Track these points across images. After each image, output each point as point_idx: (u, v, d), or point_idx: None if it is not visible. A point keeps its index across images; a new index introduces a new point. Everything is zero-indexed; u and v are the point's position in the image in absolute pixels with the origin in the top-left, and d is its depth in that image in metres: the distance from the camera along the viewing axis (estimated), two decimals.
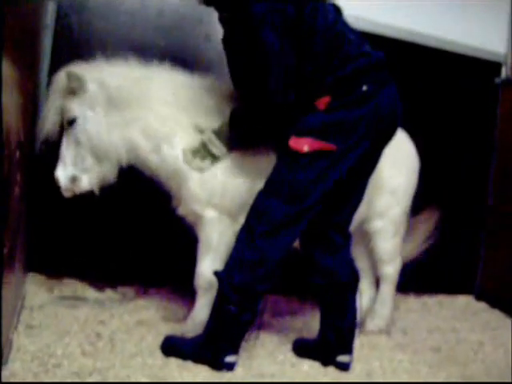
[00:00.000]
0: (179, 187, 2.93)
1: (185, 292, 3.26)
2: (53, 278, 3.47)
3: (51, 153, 2.93)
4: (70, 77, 2.82)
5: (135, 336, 2.84)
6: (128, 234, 3.68)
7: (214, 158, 2.85)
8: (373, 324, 3.47)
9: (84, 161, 2.89)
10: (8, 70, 1.90)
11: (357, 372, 2.80)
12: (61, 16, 3.49)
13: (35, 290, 3.29)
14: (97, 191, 2.94)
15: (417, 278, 4.16)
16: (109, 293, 3.51)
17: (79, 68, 2.87)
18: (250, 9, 2.52)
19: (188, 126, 2.93)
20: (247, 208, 2.74)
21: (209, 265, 2.87)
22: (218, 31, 3.66)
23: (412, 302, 4.36)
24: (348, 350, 2.84)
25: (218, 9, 2.82)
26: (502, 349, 3.41)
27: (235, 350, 2.64)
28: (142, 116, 2.91)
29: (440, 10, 4.55)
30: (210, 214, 2.91)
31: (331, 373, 2.74)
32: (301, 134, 2.55)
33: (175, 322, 3.11)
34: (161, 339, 2.74)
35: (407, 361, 3.01)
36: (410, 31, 4.42)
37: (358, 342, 3.03)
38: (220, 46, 3.62)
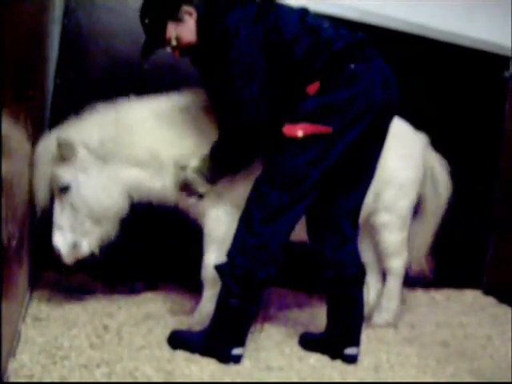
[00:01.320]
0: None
1: (192, 285, 3.27)
2: (61, 272, 3.48)
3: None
4: (61, 144, 2.79)
5: (143, 329, 2.85)
6: (136, 228, 3.68)
7: (200, 196, 2.85)
8: (380, 318, 3.46)
9: (83, 225, 2.87)
10: (17, 63, 1.91)
11: (364, 365, 2.79)
12: (69, 11, 3.50)
13: (43, 282, 3.31)
14: (97, 252, 2.93)
15: (425, 273, 4.15)
16: (117, 286, 3.52)
17: (64, 134, 2.86)
18: (216, 34, 2.57)
19: (177, 143, 2.94)
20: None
21: (215, 257, 2.87)
22: None
23: (420, 296, 4.36)
24: (355, 342, 2.84)
25: (192, 55, 2.84)
26: (510, 343, 3.40)
27: (241, 343, 2.64)
28: (132, 155, 2.91)
29: (449, 4, 4.53)
30: (216, 206, 2.92)
31: (338, 366, 2.74)
32: (294, 120, 2.56)
33: (182, 314, 3.12)
34: (168, 332, 2.75)
35: (415, 355, 3.01)
36: (418, 25, 4.40)
37: (366, 335, 3.03)
38: None
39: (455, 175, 4.01)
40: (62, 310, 2.95)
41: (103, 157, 2.88)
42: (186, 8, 2.70)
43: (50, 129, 3.27)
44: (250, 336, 2.69)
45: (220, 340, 2.60)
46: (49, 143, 2.87)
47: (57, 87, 3.49)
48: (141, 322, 2.94)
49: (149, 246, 3.72)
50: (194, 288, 3.16)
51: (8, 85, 1.72)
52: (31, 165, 2.71)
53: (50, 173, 2.85)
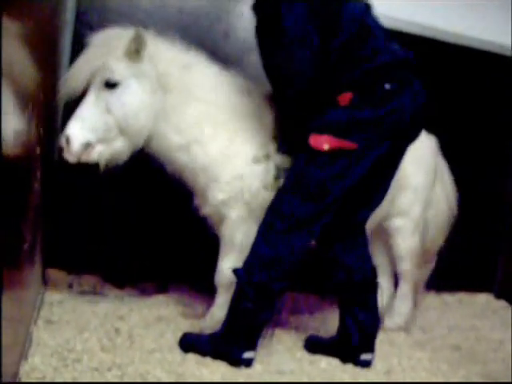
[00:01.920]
0: (205, 187, 2.90)
1: (204, 288, 3.27)
2: (72, 273, 3.49)
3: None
4: (138, 38, 2.67)
5: (154, 332, 2.84)
6: (148, 230, 3.69)
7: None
8: (392, 321, 3.45)
9: (107, 131, 2.69)
10: (28, 66, 1.91)
11: (376, 369, 2.79)
12: (80, 13, 3.51)
13: (55, 286, 3.32)
14: (102, 167, 2.74)
15: (437, 276, 4.14)
16: (128, 289, 3.52)
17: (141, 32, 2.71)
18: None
19: (222, 125, 2.89)
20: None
21: (231, 263, 2.86)
22: (237, 28, 3.67)
23: (432, 299, 4.34)
24: (371, 348, 2.84)
25: None
26: None
27: (253, 347, 2.64)
28: (179, 109, 2.82)
29: (459, 5, 4.50)
30: (235, 213, 2.90)
31: (349, 369, 2.73)
32: (320, 130, 2.52)
33: (194, 318, 3.12)
34: (180, 335, 2.75)
35: (426, 358, 3.00)
36: (430, 27, 4.38)
37: (378, 338, 3.02)
38: (238, 43, 3.65)
39: (466, 177, 4.00)
40: (73, 312, 2.95)
41: (157, 88, 2.78)
42: None
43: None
44: (261, 340, 2.68)
45: (231, 343, 2.60)
46: (113, 34, 2.76)
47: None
48: (152, 325, 2.93)
49: (162, 248, 3.72)
50: (207, 291, 3.16)
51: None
52: (41, 169, 2.72)
53: (101, 63, 2.68)
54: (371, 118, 2.50)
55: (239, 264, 2.71)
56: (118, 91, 2.68)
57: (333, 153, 2.50)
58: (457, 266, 4.43)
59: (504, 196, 4.79)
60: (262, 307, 2.61)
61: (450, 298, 4.47)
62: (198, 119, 2.86)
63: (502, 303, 4.54)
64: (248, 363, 2.60)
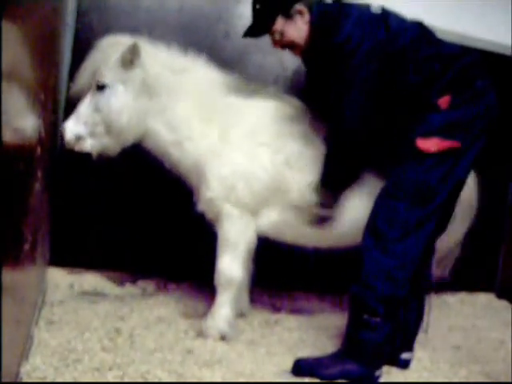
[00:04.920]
0: (199, 182, 2.96)
1: (205, 288, 3.27)
2: (73, 272, 3.49)
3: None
4: (134, 49, 2.91)
5: (155, 332, 2.85)
6: (149, 228, 3.69)
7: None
8: None
9: (95, 126, 2.97)
10: (29, 67, 1.92)
11: None
12: (81, 14, 3.51)
13: (56, 286, 3.32)
14: (94, 157, 3.02)
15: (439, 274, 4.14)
16: (129, 288, 3.53)
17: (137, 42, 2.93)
18: (340, 41, 2.62)
19: (211, 122, 2.99)
20: (268, 203, 2.79)
21: (228, 262, 2.89)
22: (237, 28, 3.67)
23: (433, 299, 4.32)
24: (410, 347, 2.87)
25: (311, 49, 2.86)
26: None
27: (382, 364, 2.66)
28: (170, 107, 2.99)
29: (459, 4, 4.49)
30: (229, 210, 2.92)
31: None
32: (427, 134, 2.59)
33: (195, 318, 3.12)
34: (180, 335, 2.75)
35: (427, 358, 3.00)
36: (430, 26, 4.36)
37: None
38: (239, 43, 3.64)
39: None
40: (74, 313, 2.95)
41: (148, 89, 2.98)
42: (298, 7, 2.78)
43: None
44: (261, 340, 2.67)
45: (360, 362, 2.58)
46: (112, 42, 3.02)
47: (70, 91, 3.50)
48: (153, 325, 2.94)
49: (162, 246, 3.72)
50: (207, 291, 3.16)
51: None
52: (43, 169, 2.72)
53: (98, 68, 2.97)
54: (469, 117, 2.59)
55: (237, 262, 2.75)
56: (105, 93, 2.94)
57: (440, 154, 2.57)
58: (458, 266, 4.43)
59: (505, 196, 4.78)
60: (390, 319, 2.61)
61: (451, 298, 4.47)
62: (188, 117, 3.00)
63: (503, 303, 4.54)
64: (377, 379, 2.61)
